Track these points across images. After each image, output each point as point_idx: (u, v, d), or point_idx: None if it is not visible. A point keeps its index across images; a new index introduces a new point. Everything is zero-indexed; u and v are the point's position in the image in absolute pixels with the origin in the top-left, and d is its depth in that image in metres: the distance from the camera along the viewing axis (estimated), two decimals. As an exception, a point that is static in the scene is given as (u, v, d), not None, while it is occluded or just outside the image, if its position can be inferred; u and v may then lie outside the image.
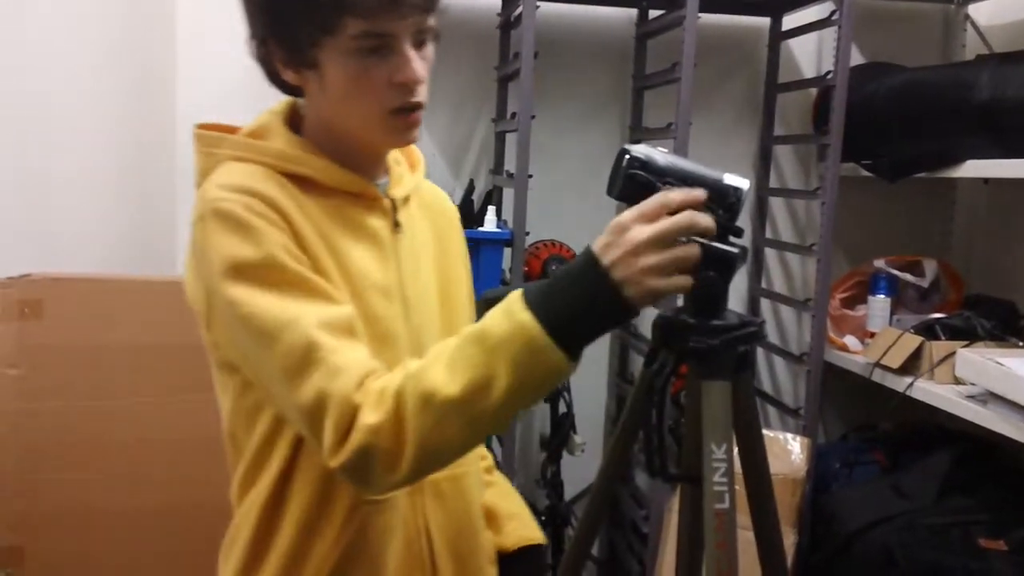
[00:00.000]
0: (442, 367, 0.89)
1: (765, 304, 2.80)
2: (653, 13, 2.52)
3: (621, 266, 0.86)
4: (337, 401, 0.89)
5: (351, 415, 0.89)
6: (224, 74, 2.35)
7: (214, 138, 1.04)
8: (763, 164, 2.72)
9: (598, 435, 2.74)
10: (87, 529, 1.72)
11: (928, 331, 2.26)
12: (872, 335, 2.45)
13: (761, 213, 2.74)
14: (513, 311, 0.88)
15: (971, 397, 2.03)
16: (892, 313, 2.47)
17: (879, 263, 2.50)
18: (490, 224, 2.30)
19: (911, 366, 2.23)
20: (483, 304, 0.95)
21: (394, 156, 1.14)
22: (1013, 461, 2.24)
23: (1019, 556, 1.98)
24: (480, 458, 1.24)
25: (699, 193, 0.90)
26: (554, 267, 2.40)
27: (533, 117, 2.19)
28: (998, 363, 1.90)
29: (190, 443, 1.74)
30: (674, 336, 0.98)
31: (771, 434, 2.30)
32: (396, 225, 1.09)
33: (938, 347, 2.19)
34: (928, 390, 2.16)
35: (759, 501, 1.05)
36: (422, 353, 0.95)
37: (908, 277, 2.50)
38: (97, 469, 1.72)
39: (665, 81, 2.35)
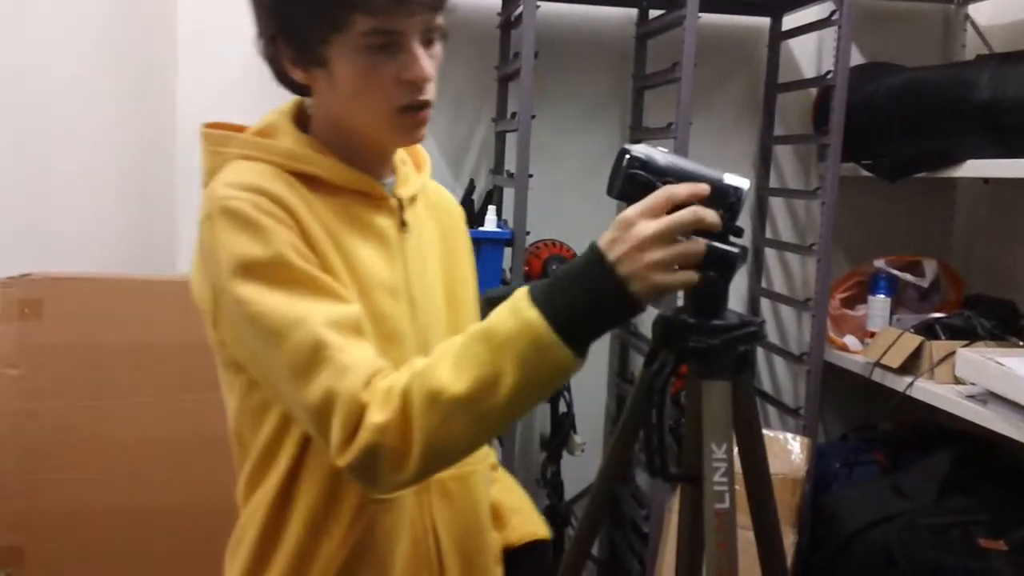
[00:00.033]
0: (448, 365, 0.89)
1: (765, 304, 2.80)
2: (653, 13, 2.52)
3: (627, 261, 0.86)
4: (344, 400, 0.89)
5: (358, 414, 0.89)
6: (224, 73, 2.36)
7: (222, 137, 1.04)
8: (763, 164, 2.73)
9: (598, 435, 2.74)
10: (87, 529, 1.72)
11: (928, 331, 2.26)
12: (872, 335, 2.45)
13: (761, 213, 2.74)
14: (519, 308, 0.88)
15: (971, 397, 2.03)
16: (892, 313, 2.47)
17: (879, 263, 2.50)
18: (490, 224, 2.30)
19: (911, 366, 2.23)
20: (485, 303, 0.95)
21: (400, 156, 1.14)
22: (1013, 461, 2.24)
23: (1019, 556, 1.98)
24: (486, 456, 1.24)
25: (704, 186, 0.90)
26: (554, 267, 2.40)
27: (533, 117, 2.19)
28: (998, 363, 1.90)
29: (190, 443, 1.74)
30: (674, 336, 0.98)
31: (771, 434, 2.30)
32: (403, 224, 1.09)
33: (938, 347, 2.19)
34: (928, 390, 2.16)
35: (759, 501, 1.05)
36: (428, 352, 0.95)
37: (908, 277, 2.51)
38: (97, 469, 1.72)
39: (665, 81, 2.35)
